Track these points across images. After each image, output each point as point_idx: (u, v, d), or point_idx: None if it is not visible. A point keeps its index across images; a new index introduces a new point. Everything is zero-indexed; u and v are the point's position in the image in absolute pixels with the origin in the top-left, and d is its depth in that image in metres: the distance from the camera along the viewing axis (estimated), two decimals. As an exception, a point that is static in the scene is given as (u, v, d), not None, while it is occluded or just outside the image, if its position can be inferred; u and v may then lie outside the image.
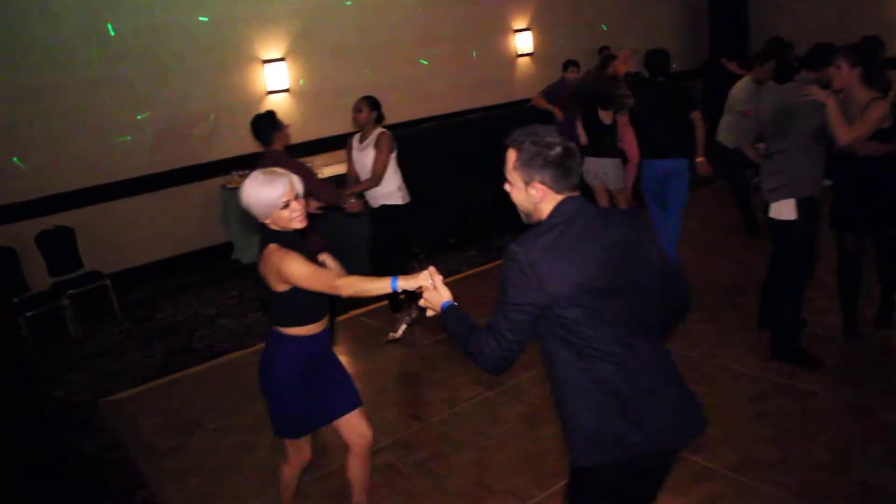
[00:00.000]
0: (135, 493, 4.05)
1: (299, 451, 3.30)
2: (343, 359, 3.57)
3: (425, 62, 9.51)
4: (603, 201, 6.61)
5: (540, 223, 2.22)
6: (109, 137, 7.43)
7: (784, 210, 4.38)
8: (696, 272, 6.26)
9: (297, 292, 2.91)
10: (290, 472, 3.36)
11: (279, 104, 8.27)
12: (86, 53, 7.22)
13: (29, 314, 6.24)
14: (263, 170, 2.92)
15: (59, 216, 7.00)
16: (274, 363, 3.07)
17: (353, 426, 3.23)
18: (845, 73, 4.27)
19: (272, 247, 2.89)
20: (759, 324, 4.99)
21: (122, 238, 7.55)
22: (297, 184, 2.90)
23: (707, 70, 11.73)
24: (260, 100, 8.26)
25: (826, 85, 4.32)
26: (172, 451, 4.47)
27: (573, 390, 2.19)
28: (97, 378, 5.63)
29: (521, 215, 2.30)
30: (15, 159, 6.91)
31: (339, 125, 8.03)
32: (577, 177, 2.21)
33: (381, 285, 2.72)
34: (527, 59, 10.58)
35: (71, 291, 6.50)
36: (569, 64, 8.31)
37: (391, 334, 5.58)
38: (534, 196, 2.20)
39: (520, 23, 10.44)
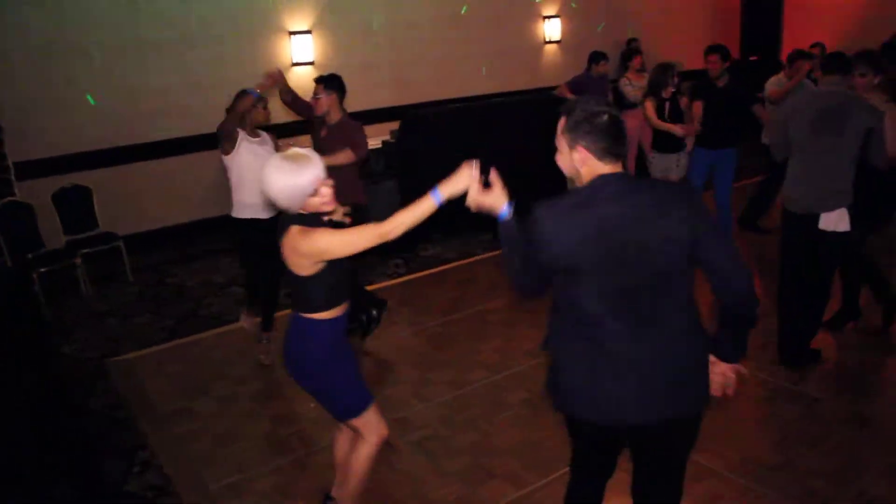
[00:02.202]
0: (136, 453, 4.08)
1: (374, 425, 3.09)
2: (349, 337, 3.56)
3: (465, 9, 9.41)
4: None
5: (572, 190, 2.33)
6: (133, 100, 7.44)
7: (840, 222, 4.15)
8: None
9: (325, 274, 2.80)
10: (369, 451, 3.12)
11: (303, 76, 8.26)
12: (114, 16, 7.23)
13: (42, 270, 6.28)
14: (284, 155, 2.76)
15: (78, 175, 7.03)
16: (308, 351, 2.96)
17: (375, 418, 3.12)
18: (869, 81, 4.24)
19: (294, 229, 2.76)
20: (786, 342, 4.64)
21: (139, 201, 7.59)
22: (322, 167, 2.77)
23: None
24: (285, 71, 8.23)
25: None
26: (176, 415, 4.50)
27: (553, 341, 2.43)
28: (105, 337, 5.68)
29: (568, 181, 2.43)
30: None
31: (363, 101, 8.01)
32: (622, 146, 2.24)
33: (425, 207, 2.64)
34: (554, 46, 10.51)
35: (85, 251, 6.54)
36: (598, 57, 8.19)
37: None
38: (576, 160, 2.26)
39: (549, 9, 10.35)
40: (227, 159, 4.77)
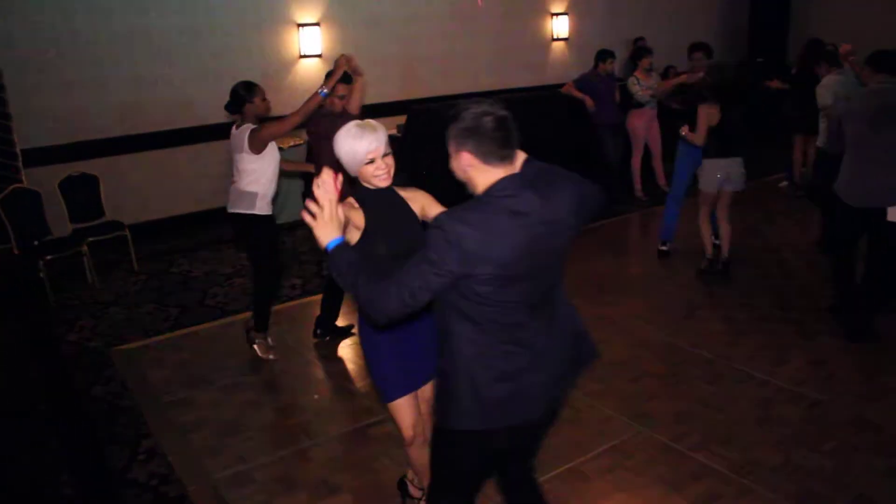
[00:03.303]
0: (140, 442, 4.11)
1: (402, 420, 3.00)
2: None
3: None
4: (721, 214, 6.13)
5: (474, 198, 2.22)
6: (140, 89, 7.47)
7: None
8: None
9: (364, 244, 2.75)
10: (407, 449, 3.10)
11: (311, 69, 8.29)
12: (122, 4, 7.25)
13: (48, 257, 6.31)
14: (356, 122, 2.81)
15: (85, 163, 7.06)
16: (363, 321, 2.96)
17: (425, 395, 3.03)
18: None
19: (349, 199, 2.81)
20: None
21: (145, 190, 7.62)
22: (382, 142, 2.78)
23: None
24: (293, 63, 8.28)
25: None
26: (179, 405, 4.53)
27: (466, 360, 2.25)
28: (110, 326, 5.71)
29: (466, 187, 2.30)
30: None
31: (370, 94, 8.01)
32: (510, 149, 2.20)
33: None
34: (562, 43, 10.51)
35: (91, 239, 6.57)
36: (605, 55, 8.16)
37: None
38: (463, 165, 2.20)
39: (558, 6, 10.35)
40: (256, 158, 4.68)
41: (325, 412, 4.42)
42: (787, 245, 6.98)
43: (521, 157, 2.27)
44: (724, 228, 6.13)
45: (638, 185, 8.51)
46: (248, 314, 5.19)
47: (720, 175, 5.82)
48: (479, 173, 2.20)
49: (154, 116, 7.56)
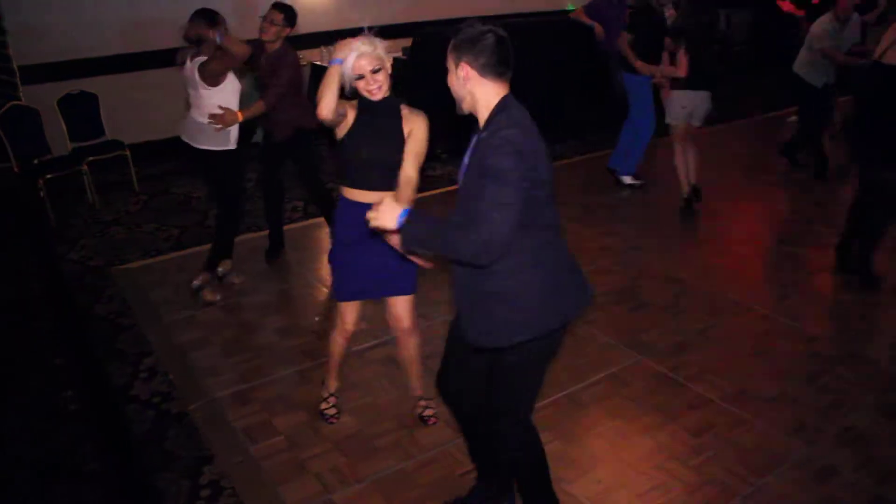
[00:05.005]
0: (141, 360, 4.15)
1: (343, 319, 3.38)
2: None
3: None
4: (688, 146, 6.17)
5: (498, 117, 2.24)
6: (141, 6, 7.28)
7: None
8: (719, 206, 6.22)
9: (344, 148, 3.04)
10: (335, 337, 3.48)
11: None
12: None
13: (48, 176, 6.26)
14: (361, 38, 2.94)
15: (84, 81, 6.93)
16: (335, 220, 3.26)
17: (392, 310, 3.33)
18: None
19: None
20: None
21: (146, 110, 7.50)
22: (371, 59, 2.91)
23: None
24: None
25: None
26: (181, 324, 4.56)
27: (524, 271, 2.31)
28: (111, 245, 5.71)
29: (457, 106, 2.36)
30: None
31: (374, 15, 7.82)
32: (506, 66, 2.27)
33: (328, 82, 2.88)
34: (573, -33, 10.19)
35: (91, 158, 6.51)
36: (617, -19, 7.94)
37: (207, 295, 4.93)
38: (461, 78, 2.27)
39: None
40: (214, 91, 4.53)
41: (324, 334, 4.44)
42: (794, 181, 6.92)
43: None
44: (692, 157, 6.15)
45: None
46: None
47: (685, 107, 5.89)
48: (477, 86, 2.26)
49: (156, 34, 7.37)
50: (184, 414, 3.67)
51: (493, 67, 2.24)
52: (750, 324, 4.41)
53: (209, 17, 4.35)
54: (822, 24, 6.43)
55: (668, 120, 6.10)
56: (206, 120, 4.52)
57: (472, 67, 2.24)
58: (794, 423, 3.50)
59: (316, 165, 5.43)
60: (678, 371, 3.93)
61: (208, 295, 4.85)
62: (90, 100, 6.75)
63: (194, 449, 3.41)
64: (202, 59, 4.45)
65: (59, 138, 6.59)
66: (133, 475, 3.32)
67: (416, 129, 3.01)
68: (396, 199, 2.55)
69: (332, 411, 3.63)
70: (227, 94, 4.56)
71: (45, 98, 6.62)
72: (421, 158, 3.03)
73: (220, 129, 4.54)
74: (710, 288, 4.83)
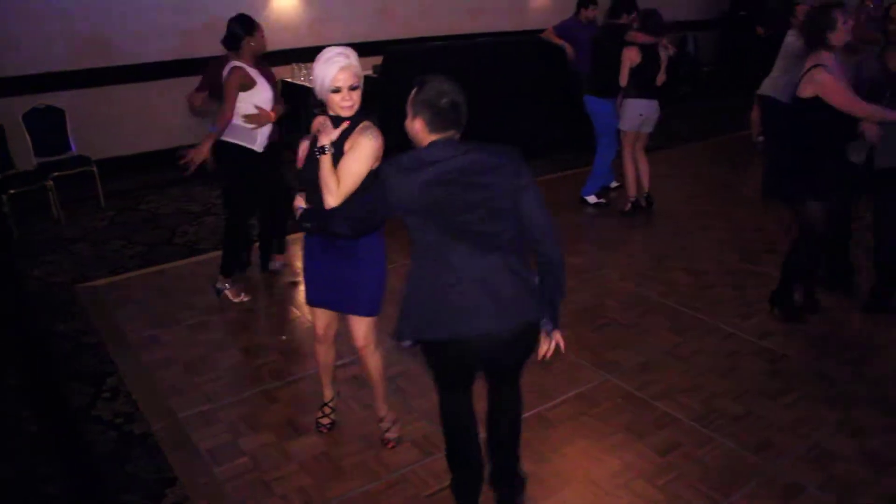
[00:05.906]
0: (105, 380, 4.08)
1: (314, 324, 3.45)
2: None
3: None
4: (639, 154, 6.51)
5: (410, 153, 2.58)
6: (110, 20, 7.22)
7: None
8: (685, 224, 6.28)
9: (308, 161, 3.05)
10: (315, 345, 3.53)
11: (288, 4, 8.08)
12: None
13: (12, 191, 6.16)
14: (337, 49, 2.95)
15: (51, 95, 6.86)
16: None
17: (349, 328, 3.33)
18: None
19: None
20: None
21: (114, 125, 7.45)
22: (350, 74, 2.93)
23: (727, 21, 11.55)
24: (265, -2, 8.05)
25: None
26: (145, 343, 4.49)
27: (411, 280, 2.65)
28: (75, 262, 5.62)
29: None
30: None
31: (344, 33, 7.86)
32: (455, 129, 2.54)
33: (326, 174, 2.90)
34: (543, -12, 10.32)
35: (56, 173, 6.43)
36: (587, 2, 8.01)
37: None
38: (414, 129, 2.56)
39: (541, -51, 10.14)
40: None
41: (291, 353, 4.41)
42: (759, 201, 7.00)
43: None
44: (644, 164, 6.50)
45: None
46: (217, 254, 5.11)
47: (642, 113, 6.25)
48: (425, 138, 2.55)
49: (124, 49, 7.33)
50: (147, 434, 3.60)
51: (443, 128, 2.52)
52: (715, 342, 4.45)
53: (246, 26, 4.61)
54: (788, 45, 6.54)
55: (621, 126, 6.40)
56: (240, 121, 4.65)
57: (425, 125, 2.53)
58: (759, 441, 3.52)
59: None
60: (645, 390, 3.95)
61: (233, 296, 5.00)
62: (56, 114, 6.68)
63: (158, 471, 3.34)
64: (236, 63, 4.59)
65: (24, 153, 6.50)
66: (94, 498, 3.25)
67: (354, 144, 2.96)
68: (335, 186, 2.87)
69: (325, 420, 3.63)
70: (260, 95, 4.67)
71: (10, 112, 6.52)
72: (350, 171, 2.91)
73: (255, 129, 4.67)
74: (676, 307, 4.87)
